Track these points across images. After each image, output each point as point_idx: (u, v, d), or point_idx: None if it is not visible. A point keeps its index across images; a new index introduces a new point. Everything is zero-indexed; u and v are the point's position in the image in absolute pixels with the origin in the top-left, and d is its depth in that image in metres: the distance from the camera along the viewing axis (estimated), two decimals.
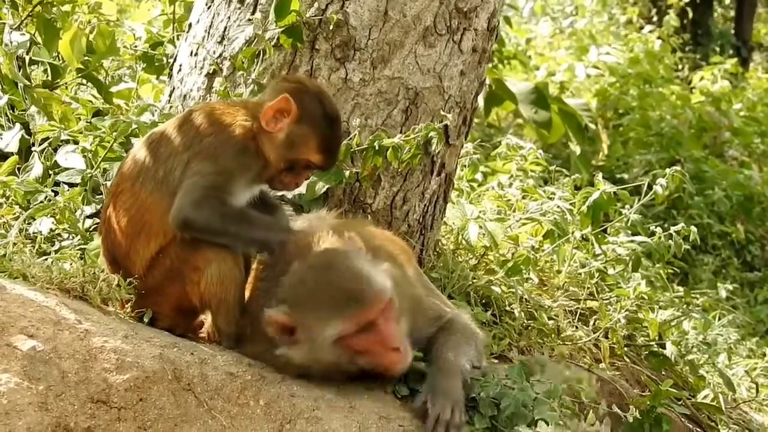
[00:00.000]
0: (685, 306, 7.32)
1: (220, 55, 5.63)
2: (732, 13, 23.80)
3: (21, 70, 6.23)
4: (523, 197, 6.88)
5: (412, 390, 4.39)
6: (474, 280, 5.77)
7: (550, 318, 5.80)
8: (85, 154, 5.53)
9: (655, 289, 7.06)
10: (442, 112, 5.56)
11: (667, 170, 6.21)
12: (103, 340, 4.05)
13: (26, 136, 5.83)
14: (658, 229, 6.26)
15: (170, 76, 6.07)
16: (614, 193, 6.32)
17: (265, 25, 5.40)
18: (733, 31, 22.55)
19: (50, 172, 5.57)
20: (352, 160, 5.40)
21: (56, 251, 5.00)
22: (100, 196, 5.39)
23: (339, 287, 4.26)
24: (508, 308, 5.76)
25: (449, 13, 5.53)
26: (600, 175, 6.51)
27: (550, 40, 18.02)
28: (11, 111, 6.03)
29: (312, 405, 4.19)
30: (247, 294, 4.64)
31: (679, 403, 5.42)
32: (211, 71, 5.66)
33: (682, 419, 5.54)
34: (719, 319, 7.97)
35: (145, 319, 4.55)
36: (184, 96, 5.77)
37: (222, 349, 4.47)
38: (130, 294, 4.51)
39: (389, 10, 5.42)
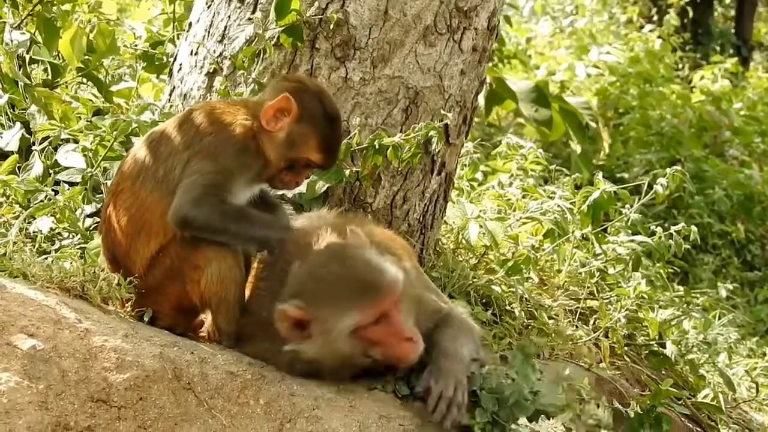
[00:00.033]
0: (685, 305, 7.32)
1: (221, 54, 5.63)
2: (732, 13, 23.81)
3: (21, 69, 6.23)
4: (524, 196, 6.88)
5: (413, 389, 4.39)
6: (474, 280, 5.77)
7: (550, 317, 5.80)
8: (86, 153, 5.53)
9: (656, 289, 7.06)
10: (442, 111, 5.56)
11: (668, 170, 6.20)
12: (103, 339, 4.05)
13: (26, 135, 5.84)
14: (659, 229, 6.26)
15: (170, 75, 6.07)
16: (614, 192, 6.32)
17: (266, 24, 5.40)
18: (733, 31, 22.55)
19: (50, 171, 5.57)
20: (353, 159, 5.40)
21: (56, 250, 5.01)
22: (101, 195, 5.39)
23: (354, 278, 4.26)
24: (508, 307, 5.76)
25: (449, 12, 5.53)
26: (600, 175, 6.51)
27: (551, 39, 18.02)
28: (11, 110, 6.03)
29: (312, 404, 4.19)
30: (247, 293, 4.64)
31: (679, 402, 5.42)
32: (211, 70, 5.66)
33: (682, 419, 5.54)
34: (719, 318, 7.96)
35: (146, 318, 4.56)
36: (185, 95, 5.77)
37: (222, 348, 4.48)
38: (130, 293, 4.52)
39: (389, 10, 5.42)
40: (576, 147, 10.79)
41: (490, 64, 7.60)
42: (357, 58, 5.43)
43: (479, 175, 7.66)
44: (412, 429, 4.21)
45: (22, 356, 3.83)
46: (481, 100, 9.51)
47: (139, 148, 4.66)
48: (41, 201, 5.31)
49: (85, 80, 6.92)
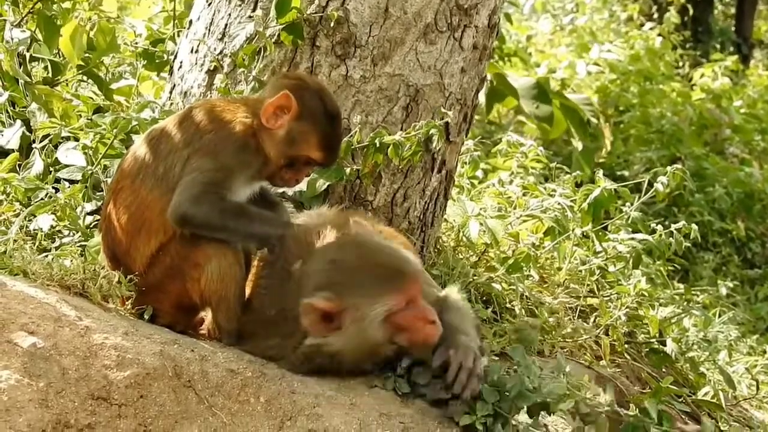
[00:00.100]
0: (685, 303, 7.31)
1: (221, 52, 5.63)
2: (732, 10, 23.82)
3: (22, 67, 6.22)
4: (524, 194, 6.87)
5: (414, 387, 4.39)
6: (474, 277, 5.78)
7: (550, 315, 5.80)
8: (86, 151, 5.53)
9: (656, 287, 7.05)
10: (442, 110, 5.56)
11: (668, 167, 6.21)
12: (103, 336, 4.05)
13: (27, 133, 5.83)
14: (659, 227, 6.26)
15: (171, 73, 6.07)
16: (615, 190, 6.32)
17: (266, 22, 5.40)
18: (733, 28, 22.55)
19: (51, 169, 5.57)
20: (353, 158, 5.40)
21: (57, 248, 5.00)
22: (101, 193, 5.39)
23: (383, 264, 4.31)
24: (508, 305, 5.77)
25: (450, 10, 5.53)
26: (601, 173, 6.51)
27: (551, 37, 18.03)
28: (12, 108, 6.03)
29: (312, 402, 4.19)
30: (247, 291, 4.64)
31: (680, 400, 5.42)
32: (211, 68, 5.66)
33: (683, 416, 5.54)
34: (720, 316, 7.96)
35: (146, 316, 4.56)
36: (185, 93, 5.77)
37: (222, 346, 4.47)
38: (130, 291, 4.51)
39: (390, 7, 5.42)
40: (577, 144, 10.78)
41: (491, 61, 7.59)
42: (357, 56, 5.43)
43: (480, 173, 7.66)
44: (412, 427, 4.21)
45: (22, 354, 3.83)
46: (481, 98, 9.51)
47: (139, 146, 4.65)
48: (42, 199, 5.31)
49: (85, 78, 6.92)
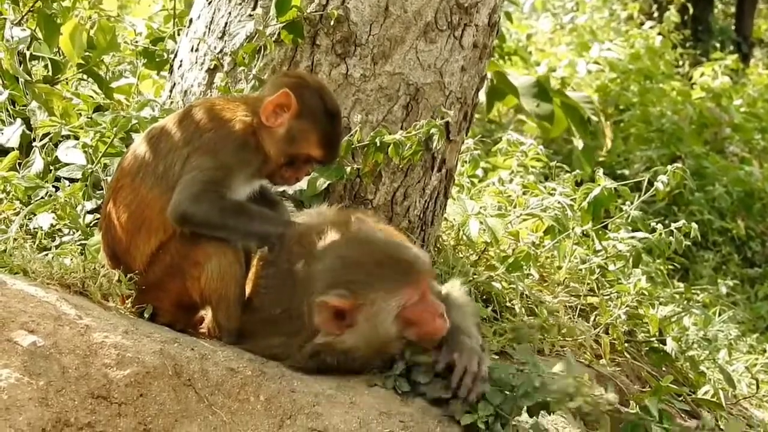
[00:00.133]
0: (685, 302, 7.32)
1: (221, 50, 5.63)
2: (732, 9, 23.83)
3: (22, 66, 6.22)
4: (524, 193, 6.87)
5: (414, 386, 4.38)
6: (474, 276, 5.77)
7: (550, 314, 5.80)
8: (86, 149, 5.52)
9: (656, 285, 7.05)
10: (443, 109, 5.56)
11: (668, 166, 6.21)
12: (103, 335, 4.05)
13: (27, 132, 5.83)
14: (659, 226, 6.27)
15: (171, 71, 6.07)
16: (615, 189, 6.32)
17: (266, 20, 5.40)
18: (733, 27, 22.56)
19: (51, 167, 5.57)
20: (353, 156, 5.40)
21: (57, 247, 5.00)
22: (101, 191, 5.39)
23: (395, 259, 4.33)
24: (508, 304, 5.77)
25: (450, 8, 5.53)
26: (601, 171, 6.51)
27: (551, 35, 18.02)
28: (12, 106, 6.03)
29: (312, 400, 4.19)
30: (247, 290, 4.64)
31: (680, 399, 5.42)
32: (211, 67, 5.66)
33: (683, 415, 5.55)
34: (720, 315, 7.96)
35: (146, 315, 4.56)
36: (185, 91, 5.77)
37: (222, 344, 4.47)
38: (130, 289, 4.52)
39: (390, 6, 5.42)
40: (578, 143, 10.78)
41: (492, 59, 7.59)
42: (357, 55, 5.43)
43: (480, 172, 7.65)
44: (412, 425, 4.21)
45: (22, 353, 3.83)
46: (482, 97, 9.51)
47: (139, 145, 4.66)
48: (42, 197, 5.31)
49: (85, 77, 6.91)
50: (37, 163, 5.56)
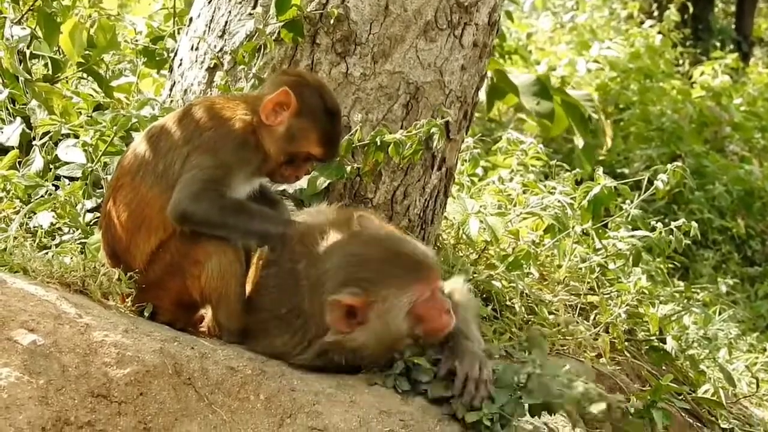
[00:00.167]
0: (685, 301, 7.31)
1: (221, 49, 5.63)
2: (732, 8, 23.83)
3: (22, 64, 6.22)
4: (524, 192, 6.87)
5: (414, 385, 4.38)
6: (474, 275, 5.77)
7: (550, 313, 5.80)
8: (86, 148, 5.52)
9: (656, 284, 7.05)
10: (443, 108, 5.56)
11: (668, 165, 6.20)
12: (103, 334, 4.05)
13: (27, 130, 5.83)
14: (659, 224, 6.26)
15: (171, 70, 6.07)
16: (615, 187, 6.31)
17: (266, 19, 5.40)
18: (733, 26, 22.55)
19: (51, 166, 5.57)
20: (353, 155, 5.40)
21: (57, 245, 5.00)
22: (101, 190, 5.39)
23: (405, 255, 4.34)
24: (508, 303, 5.77)
25: (450, 7, 5.52)
26: (600, 170, 6.51)
27: (551, 34, 18.03)
28: (12, 105, 6.03)
29: (312, 399, 4.19)
30: (248, 289, 4.64)
31: (680, 397, 5.42)
32: (211, 65, 5.66)
33: (683, 414, 5.54)
34: (720, 314, 7.96)
35: (146, 314, 4.56)
36: (185, 90, 5.76)
37: (222, 343, 4.48)
38: (130, 288, 4.52)
39: (390, 5, 5.42)
40: (579, 141, 10.77)
41: (492, 57, 7.59)
42: (357, 54, 5.43)
43: (480, 171, 7.65)
44: (412, 424, 4.21)
45: (22, 351, 3.83)
46: (482, 95, 9.50)
47: (139, 143, 4.66)
48: (42, 196, 5.31)
49: (85, 75, 6.92)
50: (37, 161, 5.56)
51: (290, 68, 5.38)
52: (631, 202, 6.52)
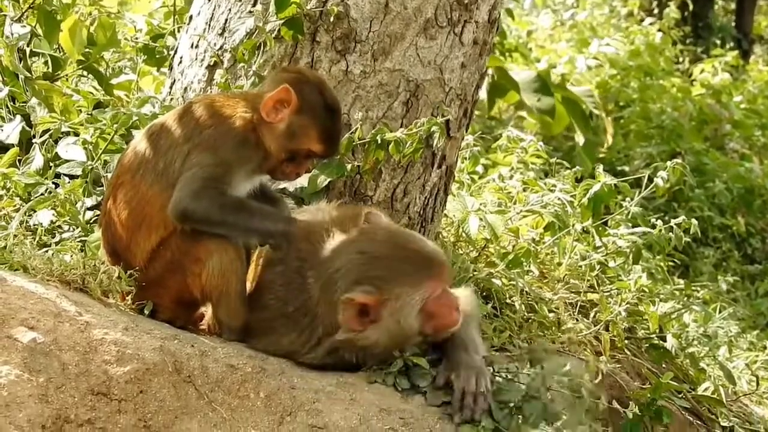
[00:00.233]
0: (685, 299, 7.32)
1: (221, 47, 5.63)
2: (733, 6, 23.80)
3: (22, 62, 6.22)
4: (524, 189, 6.87)
5: (413, 384, 4.38)
6: (474, 273, 5.77)
7: (550, 311, 5.80)
8: (86, 146, 5.52)
9: (656, 282, 7.05)
10: (443, 106, 5.55)
11: (668, 163, 6.19)
12: (103, 332, 4.05)
13: (27, 128, 5.83)
14: (659, 222, 6.25)
15: (171, 68, 6.06)
16: (615, 185, 6.31)
17: (266, 17, 5.40)
18: (733, 24, 22.55)
19: (51, 163, 5.57)
20: (353, 153, 5.40)
21: (57, 243, 5.01)
22: (101, 188, 5.39)
23: (417, 253, 4.35)
24: (508, 301, 5.76)
25: (450, 5, 5.52)
26: (601, 168, 6.50)
27: (551, 32, 18.01)
28: (12, 103, 6.03)
29: (312, 397, 4.19)
30: (249, 287, 4.64)
31: (680, 395, 5.41)
32: (211, 63, 5.66)
33: (683, 412, 5.54)
34: (720, 311, 7.96)
35: (146, 311, 4.56)
36: (185, 88, 5.76)
37: (222, 341, 4.48)
38: (130, 286, 4.52)
39: (390, 3, 5.42)
40: (579, 138, 10.76)
41: (493, 54, 7.59)
42: (357, 51, 5.43)
43: (480, 168, 7.65)
44: (412, 422, 4.21)
45: (22, 349, 3.83)
46: (483, 94, 9.50)
47: (139, 141, 4.66)
48: (42, 194, 5.31)
49: (85, 73, 6.91)
50: (37, 159, 5.56)
51: (290, 65, 5.38)
52: (632, 199, 6.51)
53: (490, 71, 10.21)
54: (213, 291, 4.51)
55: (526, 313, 5.68)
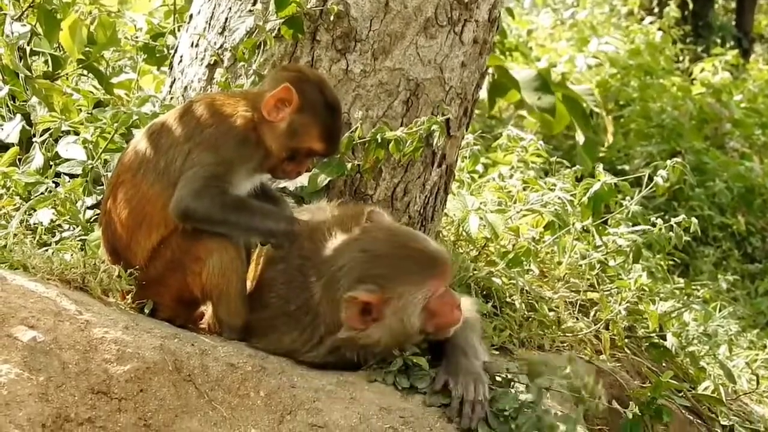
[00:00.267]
0: (685, 297, 7.32)
1: (221, 46, 5.63)
2: (733, 5, 23.79)
3: (22, 61, 6.22)
4: (524, 188, 6.87)
5: (413, 384, 4.38)
6: (475, 272, 5.77)
7: (550, 309, 5.80)
8: (86, 145, 5.52)
9: (656, 281, 7.06)
10: (444, 105, 5.55)
11: (668, 162, 6.20)
12: (103, 331, 4.05)
13: (27, 127, 5.83)
14: (659, 221, 6.26)
15: (171, 67, 6.06)
16: (615, 184, 6.31)
17: (266, 16, 5.40)
18: (734, 23, 22.54)
19: (51, 163, 5.57)
20: (354, 152, 5.40)
21: (57, 242, 5.00)
22: (101, 187, 5.39)
23: (419, 250, 4.35)
24: (508, 300, 5.76)
25: (450, 4, 5.52)
26: (601, 167, 6.50)
27: (552, 31, 18.01)
28: (12, 102, 6.02)
29: (312, 396, 4.19)
30: (250, 286, 4.64)
31: (680, 394, 5.42)
32: (212, 62, 5.66)
33: (683, 411, 5.55)
34: (720, 310, 7.95)
35: (146, 310, 4.56)
36: (185, 87, 5.76)
37: (223, 340, 4.48)
38: (130, 285, 4.52)
39: (390, 2, 5.42)
40: (579, 137, 10.76)
41: (494, 53, 7.58)
42: (358, 50, 5.43)
43: (480, 167, 7.65)
44: (412, 421, 4.21)
45: (22, 348, 3.83)
46: (483, 93, 9.50)
47: (140, 140, 4.66)
48: (42, 193, 5.31)
49: (85, 72, 6.92)
50: (37, 158, 5.56)
51: (290, 64, 5.38)
52: (632, 198, 6.52)
53: (490, 70, 10.21)
54: (213, 290, 4.51)
55: (526, 312, 5.69)
